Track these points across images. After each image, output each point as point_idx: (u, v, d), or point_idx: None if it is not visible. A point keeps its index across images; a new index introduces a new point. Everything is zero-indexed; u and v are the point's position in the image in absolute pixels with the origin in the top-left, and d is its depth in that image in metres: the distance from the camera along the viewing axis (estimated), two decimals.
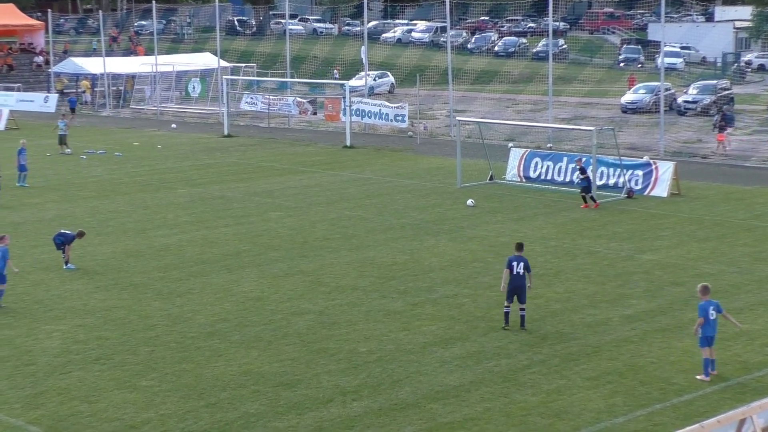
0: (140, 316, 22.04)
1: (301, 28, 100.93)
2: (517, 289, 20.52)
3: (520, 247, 20.98)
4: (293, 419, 16.54)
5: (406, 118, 51.17)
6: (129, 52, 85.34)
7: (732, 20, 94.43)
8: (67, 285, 24.55)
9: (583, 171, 33.50)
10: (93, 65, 71.33)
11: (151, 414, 16.79)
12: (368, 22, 69.06)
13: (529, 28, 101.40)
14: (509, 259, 20.66)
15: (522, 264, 20.47)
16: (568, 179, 36.52)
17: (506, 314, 20.75)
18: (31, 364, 19.19)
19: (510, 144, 43.49)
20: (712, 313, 18.02)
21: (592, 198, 33.26)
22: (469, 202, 33.85)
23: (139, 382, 18.15)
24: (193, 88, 70.04)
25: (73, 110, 62.24)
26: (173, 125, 58.97)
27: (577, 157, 35.49)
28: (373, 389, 17.74)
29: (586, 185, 33.34)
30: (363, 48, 60.93)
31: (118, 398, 17.45)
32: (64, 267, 25.94)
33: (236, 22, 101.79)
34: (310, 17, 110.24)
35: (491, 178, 38.04)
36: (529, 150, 39.69)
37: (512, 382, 18.00)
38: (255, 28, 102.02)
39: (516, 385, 17.91)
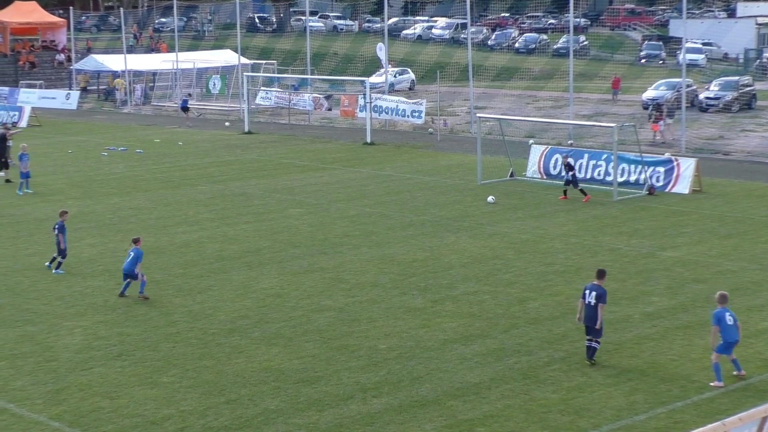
0: (161, 312, 22.13)
1: (321, 25, 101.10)
2: (587, 320, 18.55)
3: (599, 274, 18.74)
4: (313, 416, 16.57)
5: (422, 115, 51.18)
6: (150, 49, 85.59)
7: (754, 16, 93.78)
8: (88, 281, 24.66)
9: (569, 167, 33.85)
10: (115, 62, 71.59)
11: (172, 410, 16.86)
12: (388, 18, 69.08)
13: (549, 24, 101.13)
14: (584, 288, 18.74)
15: (594, 294, 18.38)
16: (588, 176, 36.43)
17: (587, 348, 18.81)
18: (53, 360, 19.29)
19: (530, 141, 43.40)
20: (729, 319, 17.37)
21: (581, 191, 33.67)
22: (490, 198, 33.80)
23: (160, 379, 18.22)
24: (214, 85, 70.22)
25: (186, 110, 59.20)
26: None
27: (564, 153, 36.00)
28: (393, 386, 17.74)
29: (572, 180, 33.71)
30: (379, 45, 60.84)
31: (140, 394, 17.52)
32: (49, 265, 25.71)
33: (257, 19, 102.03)
34: (331, 14, 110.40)
35: (512, 175, 37.96)
36: (549, 147, 39.57)
37: (532, 380, 17.98)
38: (275, 25, 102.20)
39: (536, 382, 17.87)
